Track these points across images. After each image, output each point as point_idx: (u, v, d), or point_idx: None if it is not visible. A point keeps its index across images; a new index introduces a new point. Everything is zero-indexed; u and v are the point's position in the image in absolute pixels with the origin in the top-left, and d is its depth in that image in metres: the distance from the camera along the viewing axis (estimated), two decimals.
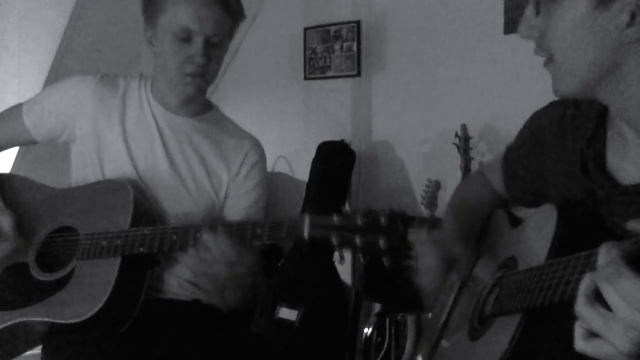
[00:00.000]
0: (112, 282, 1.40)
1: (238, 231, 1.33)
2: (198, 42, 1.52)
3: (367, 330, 2.75)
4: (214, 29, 1.53)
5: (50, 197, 1.62)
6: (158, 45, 1.58)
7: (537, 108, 1.23)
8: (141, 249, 1.41)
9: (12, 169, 2.92)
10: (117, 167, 1.58)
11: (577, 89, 0.99)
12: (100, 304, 1.39)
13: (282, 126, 3.52)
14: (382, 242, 1.22)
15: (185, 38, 1.52)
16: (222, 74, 3.87)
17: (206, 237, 1.32)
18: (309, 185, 3.16)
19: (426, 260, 1.25)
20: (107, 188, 1.53)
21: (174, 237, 1.39)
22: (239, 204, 1.64)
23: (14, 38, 3.11)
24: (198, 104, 1.68)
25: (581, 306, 0.76)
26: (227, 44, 1.61)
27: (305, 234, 1.27)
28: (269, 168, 3.73)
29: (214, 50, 1.56)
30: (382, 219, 1.23)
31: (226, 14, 1.56)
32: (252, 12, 3.68)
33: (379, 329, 2.77)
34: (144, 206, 1.51)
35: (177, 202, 1.59)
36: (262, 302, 2.91)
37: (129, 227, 1.45)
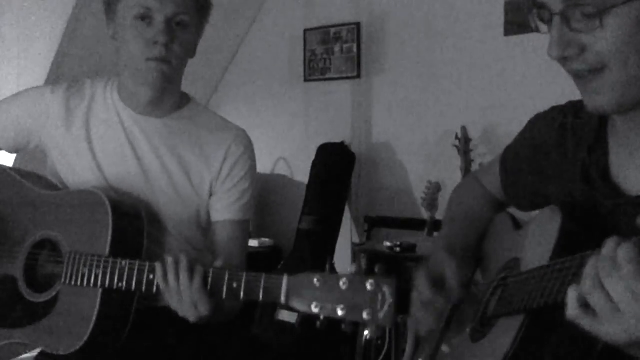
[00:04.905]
0: (94, 318, 1.36)
1: (213, 279, 1.27)
2: (159, 21, 1.47)
3: (367, 333, 2.74)
4: (175, 7, 1.48)
5: (33, 201, 1.56)
6: (120, 36, 1.53)
7: (537, 110, 1.22)
8: (120, 285, 1.38)
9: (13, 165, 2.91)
10: (86, 179, 1.54)
11: (628, 102, 0.94)
12: (83, 340, 1.35)
13: (282, 128, 3.52)
14: (365, 314, 1.11)
15: (145, 16, 1.47)
16: (221, 76, 3.89)
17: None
18: (309, 186, 3.16)
19: (419, 315, 1.21)
20: (85, 201, 1.47)
21: (151, 277, 1.35)
22: (222, 200, 1.58)
23: (14, 39, 3.11)
24: (170, 101, 1.59)
25: (588, 285, 0.78)
26: (193, 27, 1.54)
27: (282, 298, 1.19)
28: (269, 170, 3.74)
29: (178, 32, 1.50)
30: (369, 285, 1.11)
31: None
32: (252, 13, 3.68)
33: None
34: (124, 220, 1.46)
35: (154, 206, 1.54)
36: (262, 305, 2.91)
37: (109, 250, 1.42)
